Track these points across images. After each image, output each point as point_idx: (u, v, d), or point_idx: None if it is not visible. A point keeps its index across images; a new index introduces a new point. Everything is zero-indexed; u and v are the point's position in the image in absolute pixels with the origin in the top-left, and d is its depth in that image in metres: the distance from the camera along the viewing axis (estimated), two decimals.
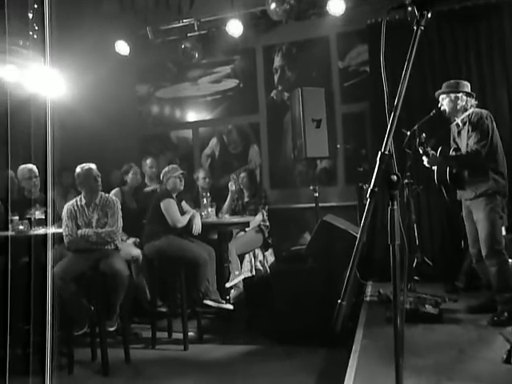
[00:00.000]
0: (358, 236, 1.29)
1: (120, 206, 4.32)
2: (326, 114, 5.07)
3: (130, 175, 5.36)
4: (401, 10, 4.43)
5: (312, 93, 5.07)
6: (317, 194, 5.22)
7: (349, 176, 5.92)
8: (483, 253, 3.56)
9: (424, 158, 3.82)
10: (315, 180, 5.30)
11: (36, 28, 5.89)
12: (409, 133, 4.06)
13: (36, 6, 5.80)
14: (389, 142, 1.28)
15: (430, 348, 3.08)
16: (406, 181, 4.50)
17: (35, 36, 5.88)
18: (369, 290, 4.61)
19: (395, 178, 1.31)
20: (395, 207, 1.30)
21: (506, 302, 3.47)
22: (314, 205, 5.24)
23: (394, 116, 1.28)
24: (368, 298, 4.36)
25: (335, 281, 4.10)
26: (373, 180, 1.27)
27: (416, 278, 4.49)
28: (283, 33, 6.05)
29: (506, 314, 3.44)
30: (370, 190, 1.27)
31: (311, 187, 5.28)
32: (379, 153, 1.30)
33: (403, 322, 1.37)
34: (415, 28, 1.31)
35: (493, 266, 3.52)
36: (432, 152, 3.77)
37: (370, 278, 4.89)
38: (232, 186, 5.55)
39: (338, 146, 5.56)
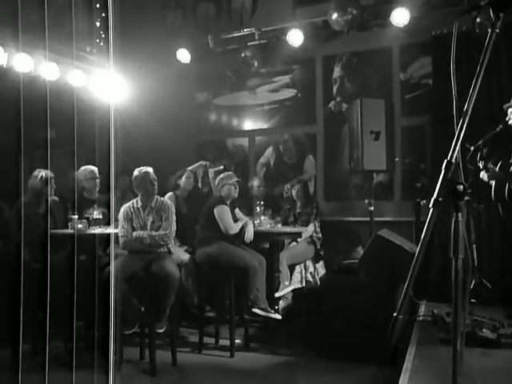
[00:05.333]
0: (418, 248, 1.23)
1: (174, 210, 4.37)
2: (385, 126, 4.96)
3: (183, 179, 5.43)
4: (469, 21, 4.30)
5: (371, 104, 4.97)
6: (372, 208, 5.10)
7: (406, 191, 5.77)
8: None
9: (483, 173, 3.67)
10: (371, 193, 5.18)
11: (102, 35, 6.10)
12: (473, 148, 3.91)
13: (103, 14, 6.02)
14: (456, 150, 1.22)
15: (485, 373, 2.92)
16: (467, 198, 4.33)
17: (101, 43, 6.09)
18: (422, 309, 4.45)
19: (461, 187, 1.25)
20: (460, 219, 1.24)
21: None
22: (368, 219, 5.12)
23: (462, 122, 1.22)
24: (421, 318, 4.21)
25: (387, 297, 3.99)
26: (437, 189, 1.22)
27: (473, 300, 4.30)
28: (344, 43, 5.98)
29: None
30: (433, 199, 1.21)
31: (366, 201, 5.17)
32: (445, 161, 1.24)
33: (463, 345, 1.29)
34: (490, 31, 1.25)
35: None
36: (492, 166, 3.61)
37: (423, 298, 4.73)
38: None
39: (397, 159, 5.42)
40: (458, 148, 1.24)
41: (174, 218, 4.31)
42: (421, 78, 5.77)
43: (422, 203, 5.08)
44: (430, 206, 1.22)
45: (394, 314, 1.23)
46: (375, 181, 5.52)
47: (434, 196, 1.22)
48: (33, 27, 4.82)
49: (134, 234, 4.20)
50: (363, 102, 4.95)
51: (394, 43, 5.85)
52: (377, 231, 4.38)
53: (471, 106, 1.22)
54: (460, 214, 1.25)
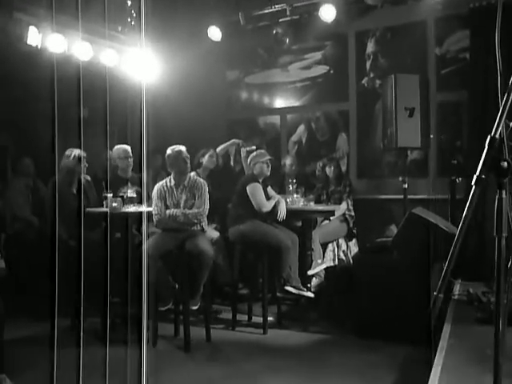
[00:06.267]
0: (460, 226, 1.20)
1: (207, 189, 4.38)
2: (419, 102, 4.85)
3: (206, 157, 5.36)
4: None
5: (406, 80, 4.85)
6: (406, 186, 5.02)
7: (441, 168, 5.66)
8: None
9: None
10: (405, 171, 5.09)
11: (134, 14, 6.10)
12: None
13: None
14: (500, 126, 1.18)
15: None
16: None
17: (132, 22, 6.09)
18: (457, 288, 4.39)
19: (505, 164, 1.21)
20: (504, 196, 1.20)
21: None
22: (402, 196, 5.05)
23: (508, 95, 1.18)
24: (456, 297, 4.15)
25: (420, 275, 3.96)
26: (479, 166, 1.18)
27: None
28: (378, 17, 5.84)
29: None
30: (476, 176, 1.18)
31: (400, 178, 5.09)
32: (488, 137, 1.20)
33: (505, 325, 1.27)
34: None
35: None
36: None
37: (458, 276, 4.66)
38: None
39: (431, 136, 5.30)
40: (502, 123, 1.20)
41: (207, 196, 4.32)
42: (457, 52, 5.59)
43: (457, 181, 4.97)
44: (473, 183, 1.19)
45: (435, 293, 1.22)
46: (409, 158, 5.42)
47: (477, 173, 1.18)
48: (66, 7, 4.85)
49: (168, 212, 4.23)
50: (397, 78, 4.84)
51: (430, 16, 5.67)
52: (411, 209, 4.32)
53: None
54: (504, 192, 1.21)
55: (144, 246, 3.97)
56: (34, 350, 3.70)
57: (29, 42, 4.92)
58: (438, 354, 2.87)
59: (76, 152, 4.72)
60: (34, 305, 4.07)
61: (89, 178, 5.00)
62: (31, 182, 5.54)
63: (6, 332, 3.11)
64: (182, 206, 4.28)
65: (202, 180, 4.45)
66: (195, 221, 4.24)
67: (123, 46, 6.02)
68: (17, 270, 4.83)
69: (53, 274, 3.23)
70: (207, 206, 4.30)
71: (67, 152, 4.74)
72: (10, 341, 3.27)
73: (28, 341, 4.05)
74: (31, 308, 4.28)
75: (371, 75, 6.12)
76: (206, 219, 4.35)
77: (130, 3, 6.06)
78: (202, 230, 4.33)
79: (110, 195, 4.42)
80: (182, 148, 4.35)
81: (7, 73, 4.94)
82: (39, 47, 5.04)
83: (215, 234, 4.87)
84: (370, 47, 6.10)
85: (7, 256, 4.76)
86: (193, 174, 4.80)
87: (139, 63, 5.83)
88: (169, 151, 4.36)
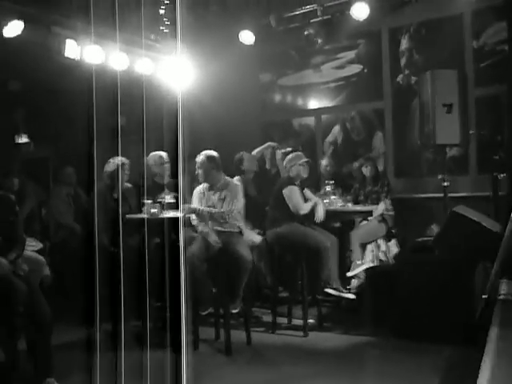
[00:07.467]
0: (508, 226, 1.17)
1: (240, 190, 4.38)
2: (458, 98, 4.75)
3: (245, 163, 5.35)
4: None
5: (443, 76, 4.76)
6: (446, 184, 4.92)
7: (482, 165, 5.52)
8: None
9: None
10: (444, 169, 4.99)
11: (167, 22, 6.18)
12: None
13: (167, 1, 6.09)
14: None
15: None
16: None
17: (166, 30, 6.18)
18: (503, 288, 4.26)
19: None
20: None
21: None
22: (442, 195, 4.94)
23: None
24: (502, 297, 4.03)
25: (464, 276, 3.87)
26: None
27: None
28: (412, 13, 5.74)
29: None
30: None
31: (440, 176, 4.98)
32: None
33: None
34: None
35: None
36: None
37: (504, 276, 4.52)
38: None
39: (471, 132, 5.17)
40: None
41: (239, 196, 4.31)
42: (495, 45, 5.46)
43: (499, 177, 4.84)
44: None
45: (484, 296, 1.19)
46: (448, 155, 5.31)
47: None
48: (102, 18, 4.96)
49: (206, 209, 4.21)
50: (434, 74, 4.74)
51: (466, 9, 5.56)
52: (451, 208, 4.23)
53: None
54: None
55: (181, 251, 3.98)
56: (80, 354, 3.78)
57: (67, 55, 5.04)
58: (484, 357, 2.79)
59: (118, 160, 4.82)
60: (80, 310, 4.17)
61: (129, 185, 5.09)
62: (72, 190, 5.68)
63: (54, 337, 3.20)
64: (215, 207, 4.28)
65: (235, 182, 4.47)
66: (221, 220, 4.24)
67: (158, 54, 6.11)
68: (61, 276, 4.95)
69: (94, 280, 3.31)
70: (235, 206, 4.29)
71: (111, 160, 4.86)
72: (57, 346, 3.37)
73: (75, 345, 4.14)
74: (77, 313, 4.37)
75: (406, 72, 6.03)
76: (242, 222, 4.35)
77: (162, 12, 6.16)
78: (240, 232, 4.35)
79: (149, 201, 4.48)
80: (209, 153, 4.37)
81: (49, 85, 5.08)
82: (78, 59, 5.16)
83: (257, 239, 4.87)
84: (404, 44, 6.02)
85: (52, 263, 4.88)
86: (236, 178, 4.83)
87: (174, 70, 5.90)
88: (197, 158, 4.39)
